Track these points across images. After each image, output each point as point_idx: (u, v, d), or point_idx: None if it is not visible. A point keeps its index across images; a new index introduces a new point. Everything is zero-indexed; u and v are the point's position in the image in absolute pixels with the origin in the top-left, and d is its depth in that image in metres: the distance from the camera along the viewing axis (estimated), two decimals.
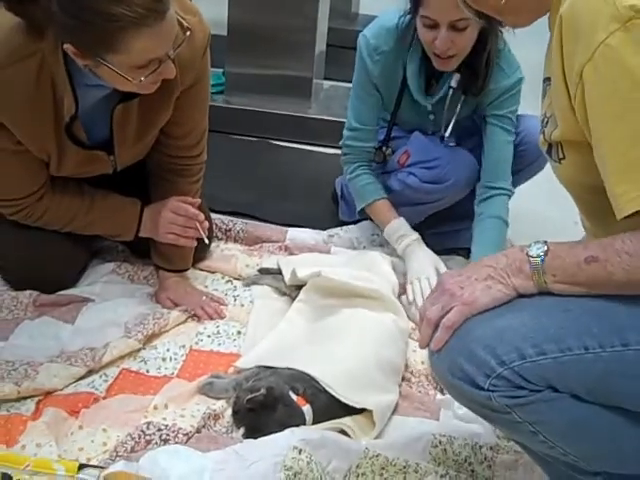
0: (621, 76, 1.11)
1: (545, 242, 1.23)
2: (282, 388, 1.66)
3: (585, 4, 1.14)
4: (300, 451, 1.48)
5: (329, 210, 2.69)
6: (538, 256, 1.21)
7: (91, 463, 1.48)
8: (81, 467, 1.40)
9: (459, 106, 2.27)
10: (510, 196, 2.30)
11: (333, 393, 1.68)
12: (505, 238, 2.29)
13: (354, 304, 1.95)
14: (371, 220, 2.49)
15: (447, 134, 2.31)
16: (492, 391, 1.21)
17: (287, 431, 1.55)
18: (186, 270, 2.20)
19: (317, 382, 1.70)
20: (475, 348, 1.21)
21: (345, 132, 2.39)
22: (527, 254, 1.22)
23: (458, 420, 1.74)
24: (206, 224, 2.05)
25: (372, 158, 2.40)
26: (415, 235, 2.25)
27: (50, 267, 2.08)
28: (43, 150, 1.85)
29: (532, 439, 1.27)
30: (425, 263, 2.19)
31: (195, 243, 2.08)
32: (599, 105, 1.14)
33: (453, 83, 2.22)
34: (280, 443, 1.49)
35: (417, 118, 2.37)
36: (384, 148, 2.39)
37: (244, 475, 1.43)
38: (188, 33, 1.69)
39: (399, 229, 2.27)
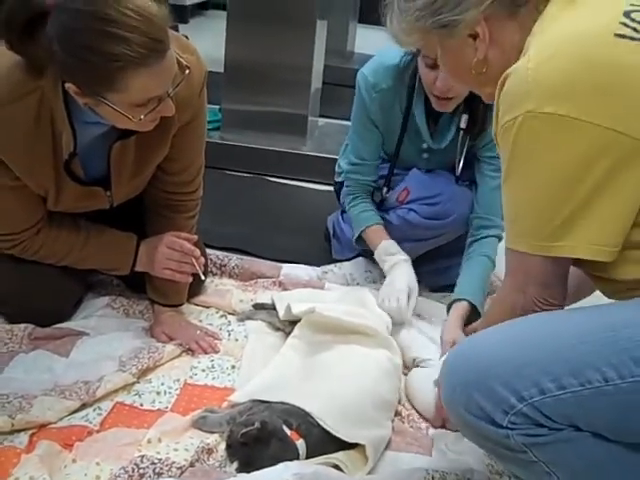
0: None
1: None
2: (276, 422, 1.67)
3: (511, 86, 1.27)
4: None
5: (323, 246, 2.71)
6: None
7: None
8: None
9: (465, 146, 2.30)
10: (501, 238, 2.32)
11: (327, 428, 1.69)
12: (489, 276, 2.31)
13: (348, 340, 1.96)
14: (364, 257, 2.51)
15: (458, 173, 2.34)
16: (511, 429, 1.21)
17: (280, 465, 1.55)
18: (181, 305, 2.21)
19: (311, 417, 1.70)
20: (493, 384, 1.22)
21: (347, 166, 2.43)
22: None
23: (451, 453, 1.75)
24: (202, 260, 2.07)
25: (372, 191, 2.43)
26: (404, 256, 2.27)
27: (45, 300, 2.09)
28: (41, 186, 1.86)
29: (544, 479, 1.26)
30: (401, 284, 2.19)
31: (190, 279, 2.10)
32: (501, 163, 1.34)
33: (462, 124, 2.25)
34: (274, 477, 1.50)
35: (412, 157, 2.39)
36: (384, 190, 2.41)
37: None
38: (187, 72, 1.72)
39: (389, 248, 2.30)
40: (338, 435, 1.68)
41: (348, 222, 2.55)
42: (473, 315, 2.15)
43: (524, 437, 1.21)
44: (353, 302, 2.18)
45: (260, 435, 1.63)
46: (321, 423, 1.69)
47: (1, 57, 1.68)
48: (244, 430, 1.62)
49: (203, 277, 2.09)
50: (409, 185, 2.37)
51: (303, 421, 1.69)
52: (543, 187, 1.26)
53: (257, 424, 1.63)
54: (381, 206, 2.43)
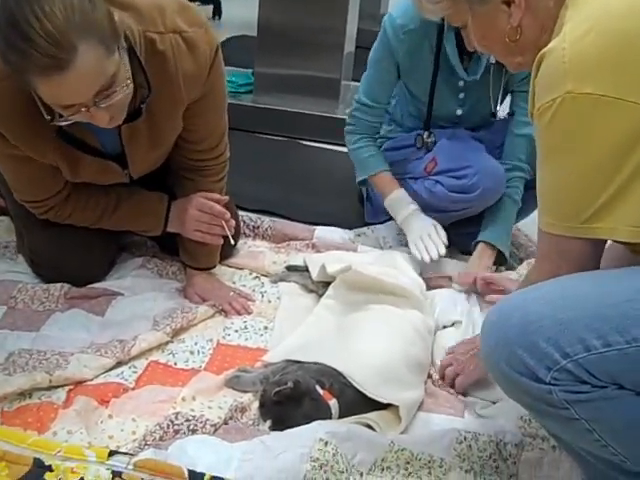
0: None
1: None
2: (309, 382, 1.68)
3: (547, 67, 1.26)
4: (326, 443, 1.49)
5: (356, 210, 2.71)
6: None
7: (121, 450, 1.50)
8: (111, 454, 1.42)
9: (502, 81, 2.30)
10: (525, 178, 2.35)
11: (360, 388, 1.69)
12: (514, 216, 2.37)
13: (382, 301, 1.96)
14: None
15: (496, 110, 2.34)
16: (554, 385, 1.21)
17: (314, 423, 1.56)
18: (213, 268, 2.22)
19: (344, 377, 1.71)
20: (537, 340, 1.21)
21: (354, 104, 2.42)
22: None
23: (483, 415, 1.75)
24: (232, 222, 2.07)
25: (377, 132, 2.44)
26: (415, 206, 2.30)
27: (80, 261, 2.12)
28: (48, 158, 1.86)
29: (584, 437, 1.26)
30: (424, 225, 2.26)
31: (221, 241, 2.11)
32: (537, 143, 1.32)
33: (492, 59, 2.22)
34: (307, 435, 1.51)
35: (448, 99, 2.37)
36: (425, 135, 2.41)
37: (271, 465, 1.45)
38: (129, 83, 1.64)
39: (402, 200, 2.32)
40: (371, 395, 1.69)
41: None
42: (497, 258, 2.27)
43: (567, 394, 1.21)
44: (386, 264, 2.17)
45: (293, 394, 1.64)
46: (354, 383, 1.70)
47: None
48: (277, 389, 1.63)
49: (233, 242, 2.10)
50: (437, 155, 2.35)
51: (336, 381, 1.70)
52: (584, 169, 1.25)
53: (290, 383, 1.64)
54: (422, 150, 2.42)
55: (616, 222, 1.24)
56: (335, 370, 1.72)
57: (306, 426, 1.55)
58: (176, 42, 1.78)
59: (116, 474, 1.38)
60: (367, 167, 2.40)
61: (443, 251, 2.22)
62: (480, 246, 2.33)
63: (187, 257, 2.18)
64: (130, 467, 1.39)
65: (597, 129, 1.21)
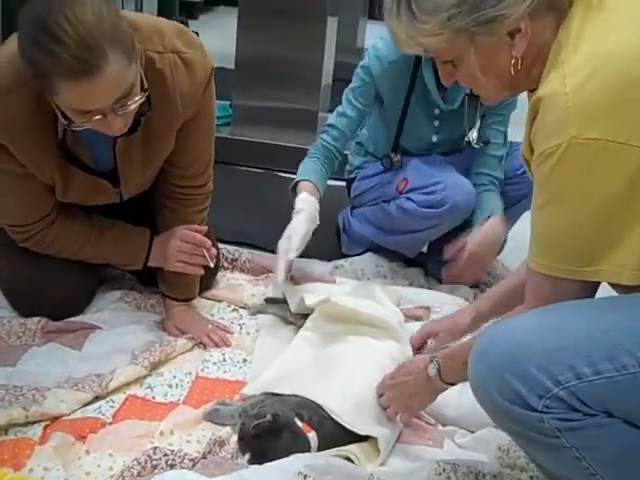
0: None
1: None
2: (288, 415, 1.67)
3: (549, 112, 1.26)
4: (305, 477, 1.49)
5: (333, 241, 2.71)
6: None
7: None
8: None
9: (478, 111, 2.34)
10: (498, 187, 2.44)
11: (338, 420, 1.69)
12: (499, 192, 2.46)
13: (360, 332, 1.97)
14: (374, 252, 2.53)
15: (474, 137, 2.39)
16: (545, 412, 1.21)
17: (292, 457, 1.56)
18: (192, 299, 2.22)
19: (322, 409, 1.71)
20: (528, 367, 1.21)
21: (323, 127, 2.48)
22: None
23: (461, 446, 1.75)
24: (214, 251, 2.08)
25: (331, 156, 2.46)
26: (301, 209, 2.30)
27: (58, 294, 2.11)
28: (46, 174, 1.87)
29: (573, 465, 1.26)
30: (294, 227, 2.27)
31: (202, 271, 2.11)
32: (535, 186, 1.32)
33: (468, 89, 2.25)
34: (285, 468, 1.51)
35: (423, 126, 2.43)
36: (392, 155, 2.45)
37: None
38: (146, 94, 1.70)
39: (300, 200, 2.33)
40: (349, 427, 1.69)
41: (357, 217, 2.58)
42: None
43: (558, 421, 1.21)
44: (364, 296, 2.18)
45: (272, 427, 1.63)
46: (332, 415, 1.69)
47: (11, 42, 1.69)
48: (256, 422, 1.62)
49: (213, 267, 2.10)
50: (408, 174, 2.40)
51: (315, 413, 1.70)
52: (588, 213, 1.26)
53: (269, 416, 1.63)
54: (390, 169, 2.47)
55: (621, 266, 1.25)
56: (314, 402, 1.72)
57: (285, 459, 1.55)
58: (174, 61, 1.83)
59: None
60: (299, 173, 2.42)
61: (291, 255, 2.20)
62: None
63: (167, 288, 2.18)
64: None
65: (603, 174, 1.22)
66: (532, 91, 1.36)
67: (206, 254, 2.05)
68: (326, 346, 1.95)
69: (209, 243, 2.06)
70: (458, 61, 1.38)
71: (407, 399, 1.70)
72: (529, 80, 1.36)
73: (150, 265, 2.10)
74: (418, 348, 1.93)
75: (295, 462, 1.53)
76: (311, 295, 2.08)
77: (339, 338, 1.96)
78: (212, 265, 2.08)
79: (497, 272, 2.55)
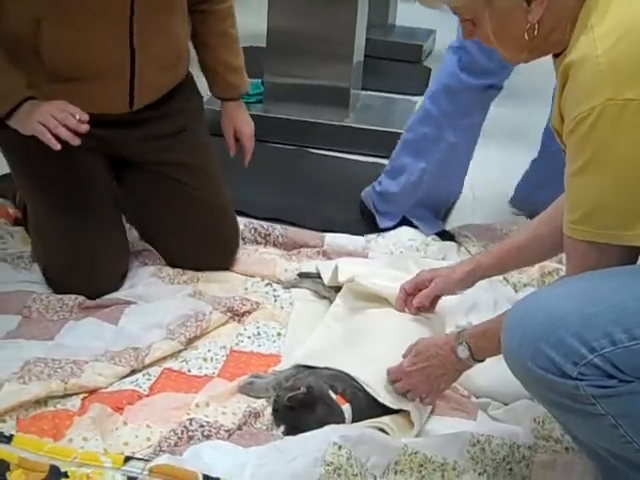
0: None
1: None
2: (322, 387, 1.68)
3: (582, 76, 1.25)
4: (340, 447, 1.50)
5: (366, 217, 2.71)
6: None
7: (136, 456, 1.51)
8: (127, 460, 1.43)
9: None
10: None
11: (372, 393, 1.70)
12: None
13: (386, 306, 1.97)
14: (407, 225, 2.54)
15: None
16: (581, 380, 1.20)
17: (327, 428, 1.57)
18: (244, 89, 2.39)
19: (356, 382, 1.72)
20: (563, 335, 1.21)
21: None
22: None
23: (495, 421, 1.76)
24: (85, 127, 1.91)
25: None
26: None
27: (91, 276, 2.12)
28: None
29: (608, 433, 1.26)
30: None
31: (59, 146, 1.89)
32: (569, 153, 1.32)
33: None
34: (320, 439, 1.52)
35: None
36: None
37: (285, 470, 1.46)
38: None
39: None
40: (382, 401, 1.70)
41: (381, 193, 2.62)
42: None
43: (593, 389, 1.20)
44: (398, 269, 2.18)
45: (306, 399, 1.65)
46: (366, 388, 1.70)
47: None
48: (290, 394, 1.64)
49: (77, 143, 1.91)
50: None
51: (348, 386, 1.71)
52: (627, 175, 1.25)
53: (303, 389, 1.65)
54: None
55: None
56: (347, 375, 1.73)
57: (319, 430, 1.56)
58: None
59: (132, 479, 1.40)
60: None
61: None
62: None
63: (219, 87, 2.35)
64: (145, 472, 1.41)
65: None
66: (556, 56, 1.36)
67: (75, 126, 1.89)
68: (357, 321, 1.95)
69: (85, 118, 1.91)
70: (477, 20, 1.39)
71: (433, 381, 1.69)
72: (547, 45, 1.36)
73: (9, 123, 1.95)
74: (409, 294, 1.91)
75: (330, 433, 1.54)
76: (344, 268, 2.08)
77: (369, 313, 1.96)
78: (75, 141, 1.90)
79: None
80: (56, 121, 1.88)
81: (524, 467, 1.61)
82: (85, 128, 1.91)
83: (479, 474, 1.59)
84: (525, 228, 1.80)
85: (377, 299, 1.99)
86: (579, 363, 1.20)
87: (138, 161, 2.21)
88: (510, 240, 1.87)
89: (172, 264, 2.29)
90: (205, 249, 2.27)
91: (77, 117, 1.89)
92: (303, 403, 1.65)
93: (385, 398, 1.70)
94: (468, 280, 1.84)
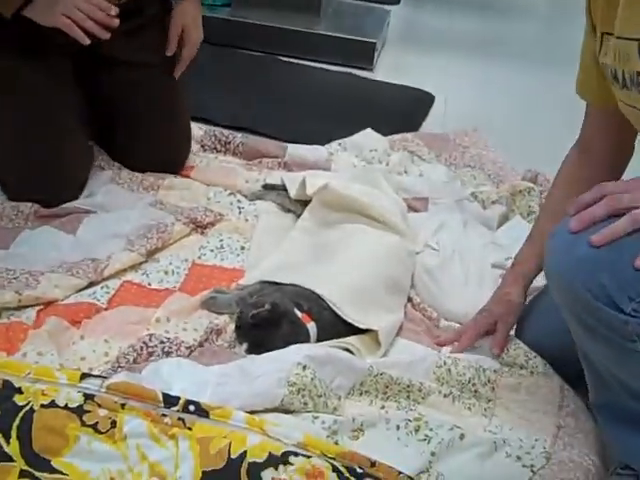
0: None
1: None
2: (287, 304, 1.64)
3: None
4: (304, 367, 1.46)
5: (331, 126, 2.63)
6: None
7: (93, 373, 1.46)
8: (83, 376, 1.37)
9: None
10: None
11: (338, 312, 1.66)
12: None
13: (359, 221, 1.91)
14: None
15: None
16: (632, 316, 1.14)
17: (292, 347, 1.53)
18: None
19: (322, 300, 1.67)
20: (625, 267, 1.13)
21: None
22: None
23: None
24: (116, 22, 1.87)
25: None
26: None
27: (51, 181, 2.03)
28: None
29: (638, 371, 1.21)
30: None
31: (88, 40, 1.85)
32: None
33: None
34: (284, 359, 1.48)
35: None
36: None
37: (247, 390, 1.41)
38: None
39: None
40: (349, 320, 1.66)
41: None
42: None
43: None
44: (365, 182, 2.11)
45: (271, 316, 1.60)
46: (332, 306, 1.66)
47: None
48: (254, 311, 1.59)
49: (106, 37, 1.88)
50: None
51: (314, 304, 1.66)
52: None
53: (268, 305, 1.60)
54: None
55: None
56: (313, 293, 1.68)
57: (284, 350, 1.52)
58: None
59: (88, 397, 1.33)
60: None
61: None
62: None
63: None
64: (103, 390, 1.34)
65: None
66: None
67: (104, 21, 1.84)
68: (325, 236, 1.90)
69: (115, 12, 1.86)
70: None
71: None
72: None
73: (24, 13, 1.82)
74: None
75: (294, 352, 1.50)
76: (312, 181, 2.01)
77: (338, 228, 1.90)
78: (106, 36, 1.87)
79: None
80: (82, 14, 1.80)
81: (489, 390, 1.59)
82: (116, 22, 1.85)
83: (444, 395, 1.56)
84: (544, 215, 1.69)
85: (349, 210, 1.93)
86: (635, 299, 1.15)
87: (101, 56, 2.08)
88: (535, 234, 1.69)
89: (123, 163, 2.22)
90: (154, 150, 2.20)
91: (109, 13, 1.84)
92: (267, 320, 1.60)
93: (352, 317, 1.66)
94: (524, 296, 1.69)
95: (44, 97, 2.00)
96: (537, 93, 3.12)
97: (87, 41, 1.84)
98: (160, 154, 2.22)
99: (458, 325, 1.78)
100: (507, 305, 1.65)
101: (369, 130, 2.52)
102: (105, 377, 1.38)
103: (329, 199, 1.94)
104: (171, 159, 2.25)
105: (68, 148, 2.03)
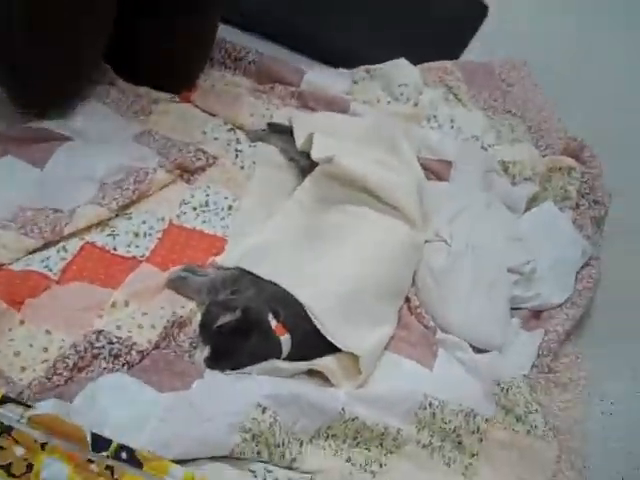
0: None
1: None
2: (260, 310, 1.42)
3: None
4: (264, 410, 1.28)
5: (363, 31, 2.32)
6: None
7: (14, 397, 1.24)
8: (3, 400, 1.19)
9: None
10: None
11: (320, 328, 1.44)
12: None
13: (364, 202, 1.66)
14: None
15: None
16: None
17: (252, 381, 1.33)
18: None
19: (303, 308, 1.46)
20: None
21: None
22: None
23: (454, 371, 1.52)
24: None
25: None
26: None
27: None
28: None
29: None
30: None
31: None
32: None
33: None
34: (241, 399, 1.29)
35: None
36: None
37: (193, 434, 1.24)
38: None
39: None
40: (330, 339, 1.44)
41: None
42: None
43: None
44: (382, 144, 1.84)
45: (240, 326, 1.39)
46: (314, 320, 1.44)
47: None
48: (221, 322, 1.38)
49: None
50: None
51: (292, 313, 1.45)
52: None
53: (238, 312, 1.39)
54: None
55: None
56: (294, 298, 1.46)
57: (242, 387, 1.32)
58: None
59: (5, 430, 1.16)
60: None
61: None
62: None
63: None
64: (23, 421, 1.17)
65: None
66: None
67: None
68: (322, 216, 1.65)
69: None
70: None
71: None
72: None
73: None
74: None
75: (255, 390, 1.30)
76: (321, 141, 1.74)
77: (339, 208, 1.66)
78: None
79: None
80: None
81: (476, 441, 1.41)
82: None
83: (423, 446, 1.39)
84: None
85: (355, 187, 1.68)
86: None
87: None
88: None
89: (125, 64, 1.94)
90: (169, 49, 1.92)
91: None
92: (236, 330, 1.39)
93: (332, 334, 1.45)
94: None
95: None
96: (612, 33, 2.68)
97: None
98: (177, 55, 1.94)
99: (456, 339, 1.58)
100: None
101: (402, 60, 2.20)
102: (28, 406, 1.19)
103: (334, 171, 1.68)
104: (184, 67, 1.99)
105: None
